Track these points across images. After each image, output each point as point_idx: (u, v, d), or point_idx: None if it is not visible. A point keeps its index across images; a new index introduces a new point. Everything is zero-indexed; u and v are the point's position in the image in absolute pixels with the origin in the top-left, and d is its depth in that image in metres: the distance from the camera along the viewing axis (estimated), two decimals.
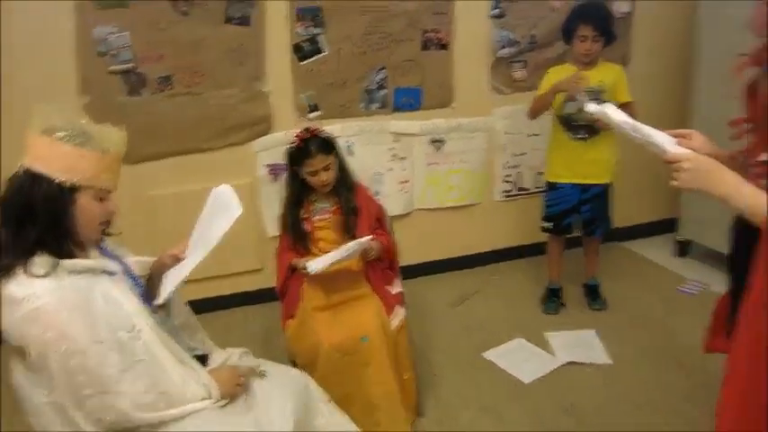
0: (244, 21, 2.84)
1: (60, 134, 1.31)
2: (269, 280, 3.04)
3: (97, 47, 2.69)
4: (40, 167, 1.30)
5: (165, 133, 2.81)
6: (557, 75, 2.67)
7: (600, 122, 2.30)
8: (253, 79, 2.92)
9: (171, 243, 1.61)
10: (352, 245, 2.00)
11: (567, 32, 2.64)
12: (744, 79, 1.38)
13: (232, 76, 2.88)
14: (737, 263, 1.55)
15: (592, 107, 1.36)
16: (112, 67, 2.73)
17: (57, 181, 1.29)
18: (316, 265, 1.96)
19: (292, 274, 2.16)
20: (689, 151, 1.19)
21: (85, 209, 1.33)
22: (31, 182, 1.29)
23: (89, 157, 1.33)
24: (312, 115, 3.01)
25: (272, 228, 2.95)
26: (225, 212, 1.51)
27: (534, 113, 2.79)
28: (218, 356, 1.62)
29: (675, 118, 3.11)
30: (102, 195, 1.37)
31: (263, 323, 2.86)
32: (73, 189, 1.31)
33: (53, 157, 1.30)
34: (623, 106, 2.26)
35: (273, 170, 2.98)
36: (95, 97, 2.72)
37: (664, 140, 1.22)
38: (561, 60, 2.96)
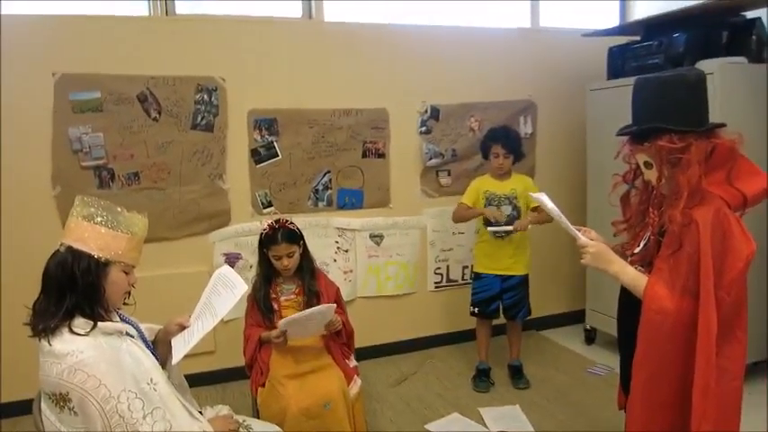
0: (208, 127, 3.26)
1: (98, 219, 1.65)
2: (222, 361, 3.31)
3: (72, 144, 3.00)
4: (80, 246, 1.62)
5: None
6: (479, 184, 3.26)
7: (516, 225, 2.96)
8: (214, 177, 3.30)
9: None
10: (319, 307, 2.31)
11: (484, 150, 3.25)
12: (618, 192, 1.88)
13: (195, 174, 3.25)
14: (624, 330, 1.93)
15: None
16: (85, 163, 3.03)
17: (95, 256, 1.61)
18: (289, 317, 2.27)
19: (259, 346, 2.45)
20: (593, 241, 1.75)
21: (115, 280, 1.65)
22: (72, 257, 1.60)
23: (121, 238, 1.66)
24: (266, 211, 3.40)
25: (228, 312, 3.22)
26: (230, 288, 1.85)
27: (457, 221, 3.35)
28: (210, 412, 1.89)
29: (575, 215, 3.73)
30: (127, 270, 1.69)
31: (217, 402, 3.02)
32: (106, 263, 1.63)
33: (92, 238, 1.62)
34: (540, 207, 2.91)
35: (229, 258, 3.31)
36: (66, 188, 2.98)
37: (574, 230, 1.77)
38: (478, 171, 3.64)
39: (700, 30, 3.12)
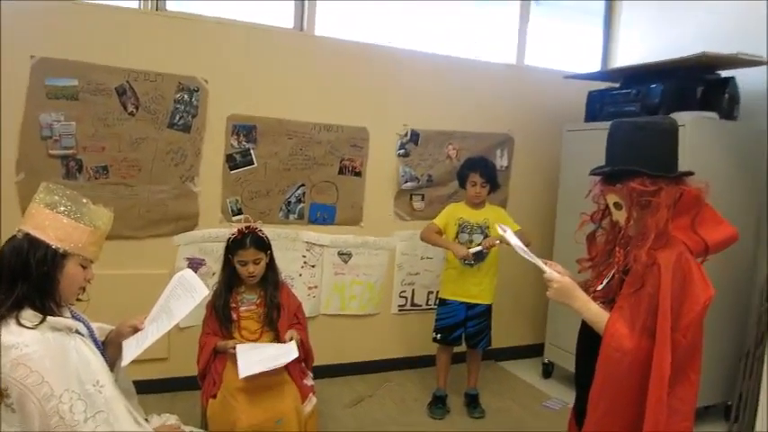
0: (185, 128, 3.22)
1: (62, 208, 1.60)
2: (174, 369, 3.22)
3: (42, 131, 2.92)
4: (38, 234, 1.56)
5: None
6: (454, 209, 3.29)
7: (487, 249, 2.93)
8: (186, 179, 3.24)
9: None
10: (278, 355, 2.25)
11: (461, 178, 3.28)
12: (585, 230, 1.92)
13: (166, 174, 3.19)
14: (582, 365, 1.94)
15: (499, 228, 1.95)
16: (53, 151, 2.95)
17: (53, 246, 1.56)
18: (247, 367, 2.17)
19: (213, 356, 2.39)
20: (559, 275, 1.77)
21: (70, 274, 1.59)
22: (28, 245, 1.55)
23: (82, 230, 1.61)
24: (236, 218, 3.33)
25: (185, 319, 3.12)
26: (190, 293, 1.81)
27: (424, 240, 3.33)
28: (156, 420, 1.83)
29: (543, 249, 3.73)
30: (85, 264, 1.64)
31: (166, 411, 2.93)
32: (64, 255, 1.58)
33: (52, 227, 1.57)
34: (517, 232, 2.95)
35: (192, 263, 3.24)
36: (30, 176, 2.89)
37: (541, 263, 1.80)
38: (452, 198, 3.68)
39: (676, 83, 3.22)
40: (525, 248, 1.81)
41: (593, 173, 1.79)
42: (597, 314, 1.71)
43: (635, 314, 1.63)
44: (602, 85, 3.73)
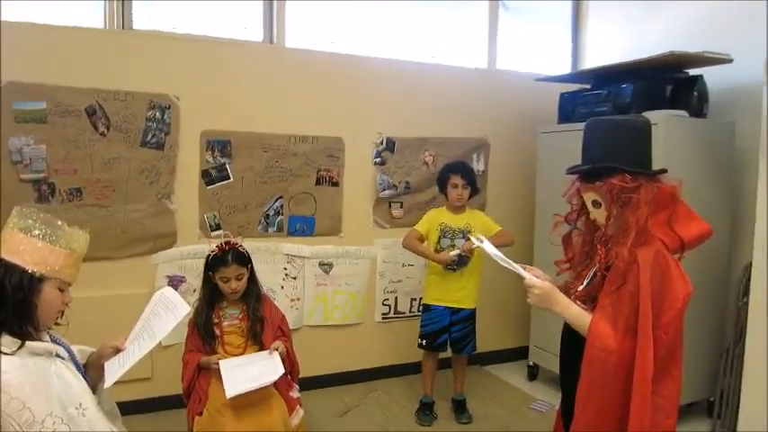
0: (158, 146, 3.19)
1: (36, 232, 1.58)
2: (158, 389, 3.18)
3: (11, 156, 2.88)
4: (13, 259, 1.54)
5: None
6: (435, 215, 3.31)
7: (468, 254, 2.98)
8: (162, 197, 3.22)
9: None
10: (268, 376, 2.24)
11: (441, 183, 3.31)
12: (560, 231, 1.93)
13: (141, 193, 3.17)
14: (566, 367, 1.96)
15: (474, 240, 1.96)
16: (24, 176, 2.91)
17: (29, 271, 1.54)
18: (233, 388, 2.16)
19: (199, 373, 2.37)
20: (538, 280, 1.78)
21: (48, 297, 1.57)
22: (4, 271, 1.52)
23: (58, 253, 1.59)
24: (214, 234, 3.32)
25: (168, 337, 3.08)
26: (171, 311, 1.80)
27: (406, 248, 3.33)
28: None
29: (523, 253, 3.74)
30: (62, 287, 1.61)
31: (152, 430, 2.91)
32: (40, 279, 1.55)
33: (27, 251, 1.55)
34: (499, 232, 3.10)
35: (172, 281, 3.21)
36: (2, 201, 2.83)
37: (520, 269, 1.81)
38: (430, 204, 3.71)
39: (646, 82, 3.28)
40: (503, 256, 1.81)
41: (571, 171, 1.80)
42: (579, 316, 1.72)
43: (617, 312, 1.64)
44: (574, 87, 3.79)
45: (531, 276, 1.80)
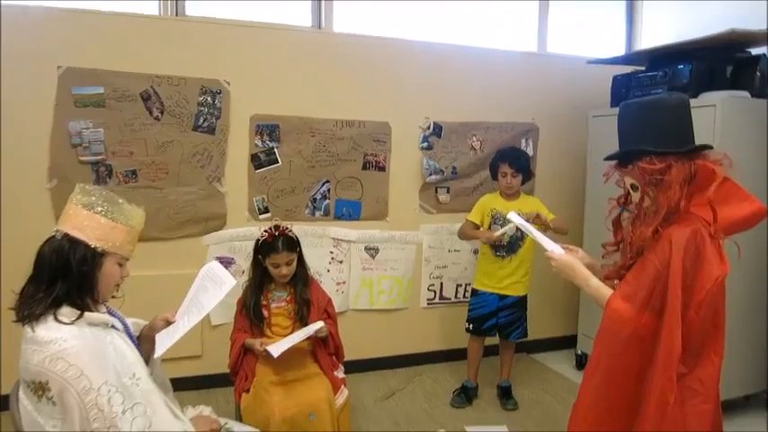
0: (210, 130, 3.27)
1: (99, 209, 1.64)
2: (208, 367, 3.28)
3: (71, 139, 3.00)
4: (77, 234, 1.60)
5: None
6: (487, 201, 3.29)
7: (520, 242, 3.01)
8: (212, 180, 3.30)
9: None
10: (305, 330, 2.33)
11: (492, 170, 3.28)
12: (613, 215, 1.92)
13: (193, 175, 3.25)
14: None
15: (509, 216, 2.03)
16: (83, 158, 3.03)
17: (92, 246, 1.60)
18: (277, 349, 2.24)
19: (246, 352, 2.43)
20: (561, 253, 1.85)
21: (108, 272, 1.63)
22: (69, 245, 1.59)
23: (119, 229, 1.65)
24: (262, 217, 3.39)
25: (217, 317, 3.22)
26: (218, 284, 1.85)
27: (462, 238, 3.36)
28: (191, 411, 1.86)
29: (572, 238, 3.68)
30: (121, 262, 1.68)
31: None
32: (102, 254, 1.62)
33: (90, 227, 1.61)
34: (553, 220, 3.03)
35: (222, 262, 3.26)
36: (62, 182, 2.98)
37: (547, 243, 1.87)
38: (478, 190, 3.70)
39: (704, 62, 3.15)
40: (529, 226, 1.88)
41: (607, 158, 1.80)
42: (597, 289, 1.75)
43: (638, 287, 1.64)
44: (628, 69, 3.67)
45: (552, 249, 1.86)
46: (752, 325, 3.06)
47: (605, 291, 1.72)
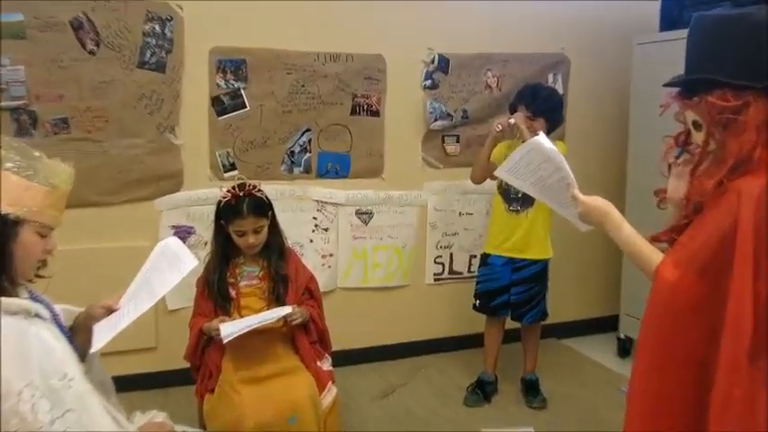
0: (159, 67, 3.20)
1: (9, 164, 1.56)
2: (164, 361, 3.27)
3: None
4: None
5: None
6: (507, 147, 3.19)
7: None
8: (164, 130, 3.24)
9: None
10: (268, 313, 2.28)
11: (511, 111, 3.20)
12: (669, 158, 1.85)
13: (140, 124, 3.20)
14: None
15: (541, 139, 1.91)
16: (1, 103, 2.95)
17: (2, 212, 1.53)
18: (229, 329, 2.19)
19: (208, 343, 2.39)
20: (591, 197, 1.77)
21: (26, 244, 1.56)
22: None
23: (37, 190, 1.57)
24: (228, 175, 3.35)
25: (174, 300, 3.18)
26: (175, 264, 1.79)
27: (476, 173, 3.29)
28: (140, 418, 1.82)
29: (611, 193, 3.69)
30: (43, 232, 1.61)
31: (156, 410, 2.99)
32: (16, 222, 1.54)
33: None
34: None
35: (179, 232, 3.24)
36: None
37: (572, 180, 1.81)
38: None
39: None
40: (561, 157, 1.81)
41: (668, 84, 1.72)
42: (637, 244, 1.69)
43: (694, 251, 1.59)
44: None
45: (578, 192, 1.80)
46: None
47: (649, 250, 1.67)
